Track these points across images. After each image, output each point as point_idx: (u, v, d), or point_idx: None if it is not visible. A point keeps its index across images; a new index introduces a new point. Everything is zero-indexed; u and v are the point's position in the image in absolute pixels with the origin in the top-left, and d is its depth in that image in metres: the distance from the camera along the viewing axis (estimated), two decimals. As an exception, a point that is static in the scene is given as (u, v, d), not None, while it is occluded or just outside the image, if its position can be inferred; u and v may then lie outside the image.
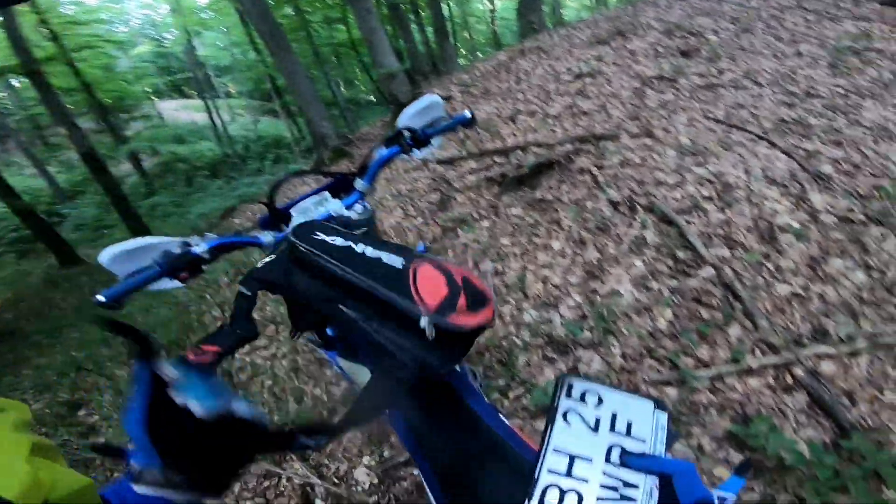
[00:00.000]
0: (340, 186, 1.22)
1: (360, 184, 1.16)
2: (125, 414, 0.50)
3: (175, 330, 3.68)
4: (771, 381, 1.82)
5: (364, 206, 1.13)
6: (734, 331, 2.00)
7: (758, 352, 1.91)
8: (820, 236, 2.25)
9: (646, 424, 0.64)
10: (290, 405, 2.57)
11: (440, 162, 4.51)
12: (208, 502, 0.50)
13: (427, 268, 0.73)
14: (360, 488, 2.00)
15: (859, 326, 1.88)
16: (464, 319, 0.69)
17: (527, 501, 0.58)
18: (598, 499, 0.58)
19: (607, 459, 0.61)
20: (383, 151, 1.20)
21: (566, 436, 0.63)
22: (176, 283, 0.94)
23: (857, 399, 1.68)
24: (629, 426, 0.63)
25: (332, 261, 0.73)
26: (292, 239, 0.79)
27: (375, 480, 2.01)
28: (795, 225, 2.32)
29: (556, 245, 2.75)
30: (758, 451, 1.59)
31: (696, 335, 2.02)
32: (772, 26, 4.92)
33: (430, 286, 0.70)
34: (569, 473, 0.60)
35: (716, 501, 0.57)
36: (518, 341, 2.29)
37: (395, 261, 0.74)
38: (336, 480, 2.07)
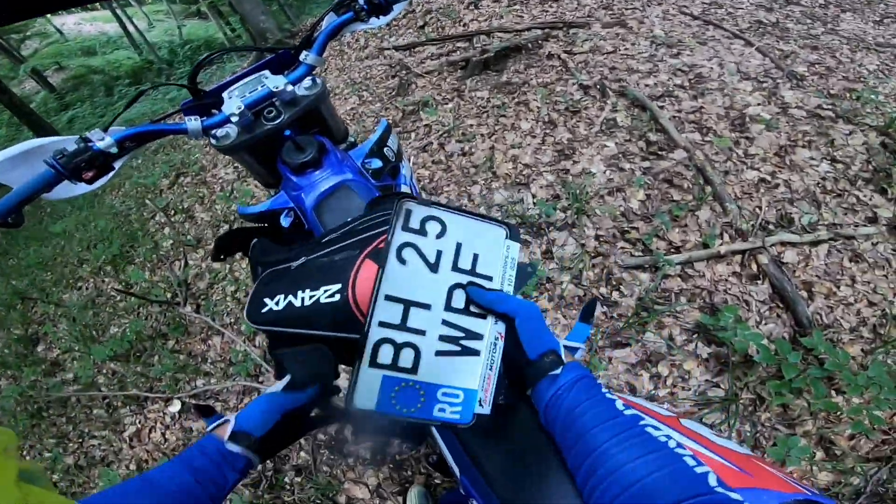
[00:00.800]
0: (283, 62, 1.06)
1: (307, 56, 1.00)
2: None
3: (117, 242, 3.35)
4: (737, 268, 1.78)
5: (314, 81, 0.98)
6: (704, 214, 1.93)
7: (726, 237, 1.86)
8: (789, 128, 2.20)
9: (495, 258, 0.56)
10: None
11: (397, 48, 4.09)
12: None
13: (365, 271, 0.60)
14: (339, 395, 1.85)
15: (821, 216, 1.86)
16: None
17: (357, 362, 0.50)
18: (436, 353, 0.52)
19: (448, 305, 0.53)
20: (333, 19, 1.05)
21: (401, 278, 0.52)
22: (82, 187, 0.83)
23: (815, 293, 1.67)
24: (475, 259, 0.55)
25: (287, 329, 0.64)
26: (248, 323, 0.70)
27: None
28: (766, 116, 2.25)
29: (525, 125, 2.55)
30: (725, 344, 1.56)
31: (669, 217, 1.94)
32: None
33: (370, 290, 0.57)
34: (403, 324, 0.51)
35: (562, 352, 0.53)
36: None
37: (332, 292, 0.61)
38: None
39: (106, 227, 3.71)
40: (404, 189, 1.16)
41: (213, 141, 0.93)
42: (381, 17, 1.05)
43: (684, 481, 0.41)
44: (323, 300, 0.62)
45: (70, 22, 20.39)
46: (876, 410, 1.31)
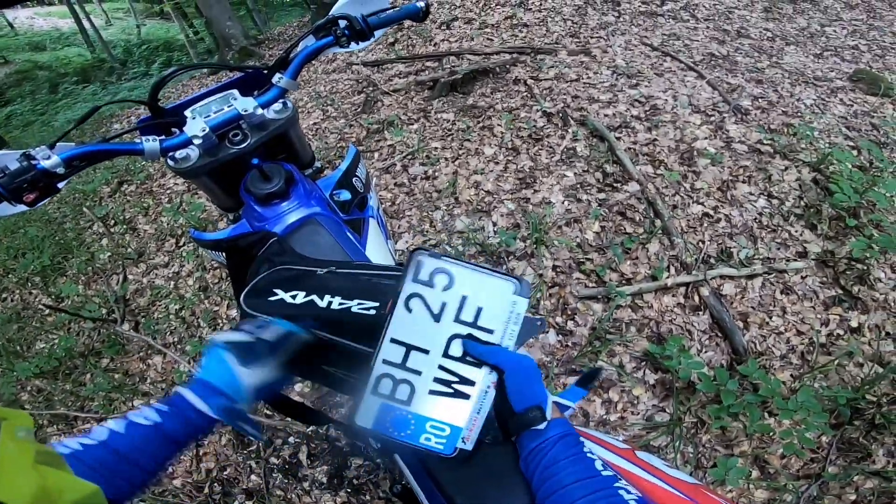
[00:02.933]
0: (252, 83, 1.03)
1: (280, 79, 0.97)
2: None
3: (48, 252, 3.23)
4: (682, 299, 1.96)
5: (284, 104, 0.97)
6: (654, 247, 2.11)
7: (673, 269, 2.04)
8: (732, 163, 2.41)
9: (499, 311, 0.59)
10: (202, 330, 2.34)
11: (365, 64, 4.20)
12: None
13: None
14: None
15: (757, 250, 2.07)
16: None
17: (362, 389, 0.59)
18: (430, 391, 0.59)
19: (445, 352, 0.59)
20: (312, 42, 1.02)
21: (406, 325, 0.60)
22: (19, 208, 0.77)
23: (750, 323, 1.86)
24: (478, 313, 0.59)
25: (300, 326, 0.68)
26: (244, 308, 0.72)
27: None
28: (712, 150, 2.46)
29: (488, 151, 2.69)
30: (670, 371, 1.71)
31: (621, 249, 2.11)
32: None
33: None
34: (403, 364, 0.59)
35: (548, 408, 0.57)
36: (450, 249, 2.26)
37: (368, 307, 0.68)
38: (268, 412, 1.93)
39: (37, 235, 3.54)
40: (371, 222, 1.16)
41: (170, 163, 0.90)
42: (360, 42, 1.03)
43: None
44: (355, 310, 0.68)
45: (23, 16, 19.70)
46: (806, 433, 1.49)
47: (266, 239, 0.88)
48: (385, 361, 0.59)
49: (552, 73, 3.25)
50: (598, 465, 0.54)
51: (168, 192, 3.44)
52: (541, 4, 4.36)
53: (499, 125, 2.86)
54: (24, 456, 0.35)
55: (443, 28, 4.41)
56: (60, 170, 0.77)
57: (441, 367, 0.59)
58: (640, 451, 0.70)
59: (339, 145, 3.16)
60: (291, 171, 0.97)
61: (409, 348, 0.59)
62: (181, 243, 2.89)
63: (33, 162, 0.75)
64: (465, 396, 0.58)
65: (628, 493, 0.51)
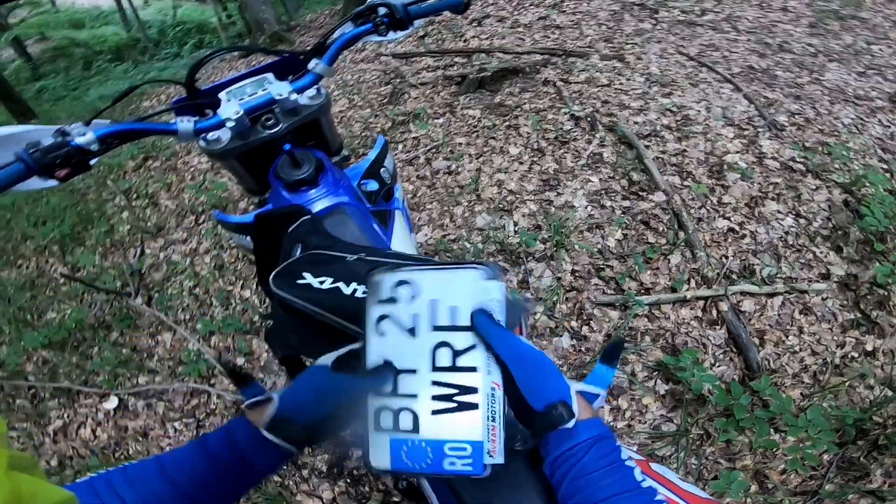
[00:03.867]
0: (287, 68, 1.04)
1: (316, 65, 0.97)
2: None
3: (69, 222, 3.28)
4: (699, 313, 1.97)
5: (318, 91, 0.98)
6: (675, 259, 2.12)
7: (693, 282, 2.05)
8: (762, 179, 2.40)
9: (474, 304, 0.54)
10: (215, 310, 2.37)
11: (395, 55, 4.24)
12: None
13: None
14: None
15: (780, 269, 2.06)
16: None
17: (364, 427, 0.54)
18: (433, 412, 0.53)
19: (434, 366, 0.54)
20: (350, 29, 1.02)
21: (382, 349, 0.55)
22: (50, 183, 0.77)
23: (766, 340, 1.86)
24: (453, 312, 0.54)
25: (322, 312, 0.66)
26: (272, 289, 0.71)
27: None
28: (743, 165, 2.45)
29: (513, 150, 2.72)
30: (682, 383, 1.72)
31: (643, 258, 2.12)
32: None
33: None
34: (395, 392, 0.54)
35: (574, 401, 0.51)
36: (469, 245, 2.29)
37: None
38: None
39: (59, 204, 3.59)
40: (398, 214, 1.16)
41: (202, 144, 0.92)
42: (399, 31, 1.02)
43: None
44: None
45: (67, -8, 20.19)
46: (810, 449, 1.50)
47: (299, 214, 0.88)
48: (375, 394, 0.54)
49: (583, 77, 3.26)
50: (638, 474, 0.47)
51: (192, 169, 3.52)
52: (576, 7, 4.36)
53: (525, 125, 2.88)
54: None
55: (474, 24, 4.43)
56: (94, 147, 0.77)
57: (435, 383, 0.53)
58: (654, 464, 0.65)
59: (363, 134, 3.21)
60: (322, 159, 0.98)
61: (395, 373, 0.54)
62: (201, 220, 2.95)
63: (68, 138, 0.75)
64: (473, 406, 0.52)
65: None
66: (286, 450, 0.54)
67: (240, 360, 2.12)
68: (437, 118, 3.17)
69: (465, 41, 4.17)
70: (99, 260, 2.90)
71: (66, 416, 2.10)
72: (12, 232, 3.51)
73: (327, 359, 0.59)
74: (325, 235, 0.84)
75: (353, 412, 0.55)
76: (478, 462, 0.51)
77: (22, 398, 2.23)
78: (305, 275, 0.72)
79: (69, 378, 2.22)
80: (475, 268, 0.54)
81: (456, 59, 3.85)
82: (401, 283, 0.55)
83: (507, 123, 2.95)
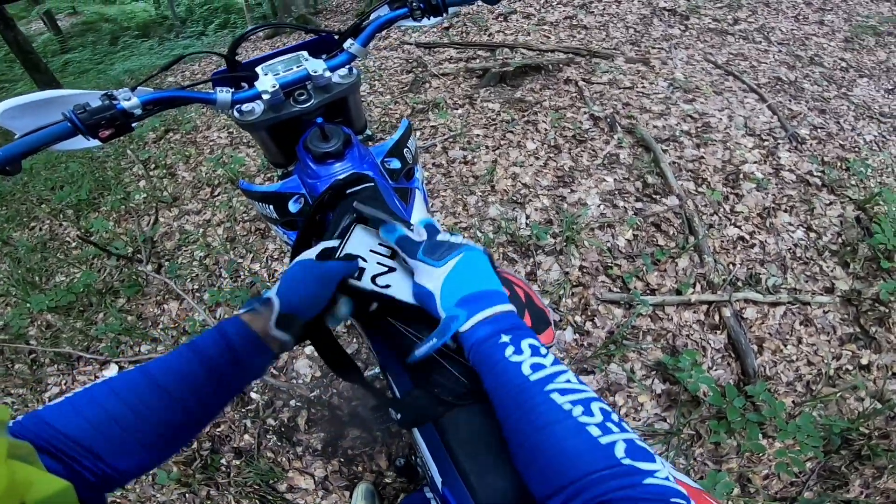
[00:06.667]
0: (321, 47, 1.12)
1: (351, 45, 1.04)
2: None
3: (87, 188, 3.37)
4: (702, 316, 2.08)
5: (350, 70, 1.05)
6: (683, 262, 2.23)
7: (698, 286, 2.16)
8: (777, 191, 2.50)
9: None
10: (223, 281, 2.48)
11: (418, 45, 4.38)
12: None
13: None
14: (300, 381, 2.03)
15: (786, 280, 2.17)
16: None
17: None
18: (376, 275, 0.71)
19: (378, 254, 0.74)
20: (386, 12, 1.08)
21: (352, 247, 0.74)
22: (94, 143, 0.84)
23: (765, 348, 1.97)
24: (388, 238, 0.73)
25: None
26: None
27: (318, 373, 2.02)
28: (759, 175, 2.56)
29: (530, 145, 2.84)
30: (679, 383, 1.83)
31: (651, 260, 2.23)
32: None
33: None
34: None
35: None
36: (480, 235, 2.41)
37: None
38: (274, 372, 2.07)
39: (78, 171, 3.72)
40: (417, 193, 1.23)
41: (235, 114, 0.98)
42: (433, 17, 1.07)
43: (588, 455, 0.42)
44: None
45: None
46: (797, 454, 1.60)
47: (362, 181, 0.95)
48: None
49: (605, 78, 3.37)
50: (526, 368, 0.50)
51: (211, 143, 3.64)
52: (604, 9, 4.47)
53: (544, 122, 3.00)
54: None
55: (500, 19, 4.56)
56: (138, 111, 0.84)
57: (377, 263, 0.72)
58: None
59: (382, 120, 3.34)
60: (350, 135, 1.05)
61: (356, 258, 0.73)
62: (216, 193, 3.07)
63: (114, 102, 0.82)
64: (393, 269, 0.70)
65: (563, 393, 0.47)
66: (286, 343, 0.62)
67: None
68: (457, 109, 3.30)
69: (489, 35, 4.29)
70: (113, 226, 3.01)
71: (63, 383, 2.16)
72: (28, 194, 3.63)
73: (310, 254, 0.72)
74: (383, 204, 0.90)
75: (332, 291, 0.66)
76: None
77: (21, 362, 2.29)
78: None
79: (71, 343, 2.28)
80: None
81: (479, 53, 3.97)
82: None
83: (525, 119, 3.07)
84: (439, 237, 0.67)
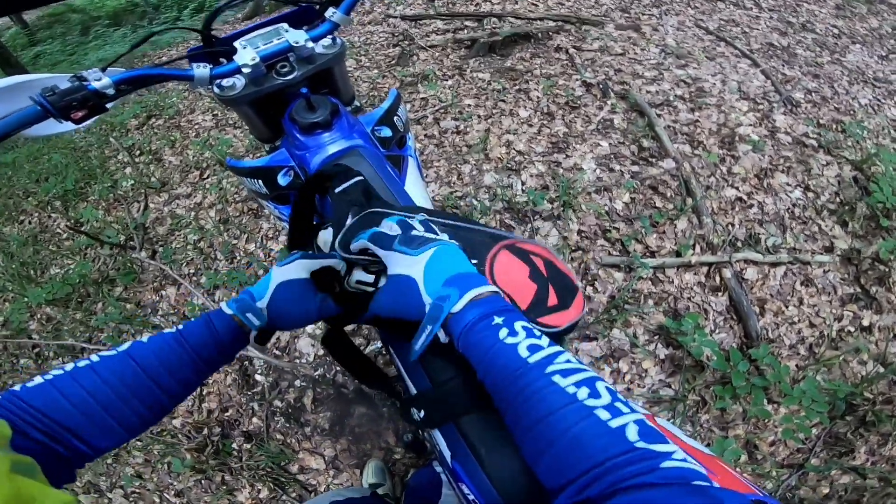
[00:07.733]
0: (302, 18, 1.09)
1: (333, 13, 1.00)
2: None
3: (72, 178, 3.31)
4: (703, 279, 2.08)
5: (333, 40, 1.02)
6: (682, 224, 2.23)
7: (698, 248, 2.16)
8: (773, 152, 2.50)
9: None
10: (219, 263, 2.45)
11: (404, 18, 4.30)
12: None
13: (505, 259, 0.68)
14: (304, 360, 2.02)
15: (785, 240, 2.17)
16: (556, 319, 0.64)
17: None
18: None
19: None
20: None
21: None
22: (67, 126, 0.83)
23: (767, 310, 1.98)
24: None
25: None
26: (343, 255, 0.76)
27: (321, 352, 2.01)
28: (755, 137, 2.55)
29: (523, 113, 2.81)
30: (682, 348, 1.82)
31: (650, 222, 2.22)
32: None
33: (513, 284, 0.66)
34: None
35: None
36: (476, 203, 2.38)
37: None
38: (277, 353, 2.06)
39: (61, 161, 3.65)
40: (410, 161, 1.22)
41: (216, 90, 0.96)
42: None
43: (599, 441, 0.40)
44: None
45: (65, -39, 20.03)
46: (803, 420, 1.60)
47: (349, 175, 0.91)
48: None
49: (596, 45, 3.33)
50: (523, 349, 0.48)
51: (196, 126, 3.57)
52: (593, -25, 4.41)
53: (535, 90, 2.97)
54: (0, 465, 0.36)
55: (488, -12, 4.48)
56: (110, 91, 0.82)
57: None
58: (659, 419, 0.66)
59: (370, 94, 3.28)
60: (337, 104, 1.02)
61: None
62: (205, 175, 3.01)
63: (84, 83, 0.80)
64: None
65: (564, 375, 0.45)
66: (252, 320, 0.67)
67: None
68: (446, 80, 3.25)
69: (476, 5, 4.22)
70: (102, 214, 2.96)
71: (69, 376, 2.17)
72: (14, 188, 3.57)
73: (296, 272, 0.73)
74: (378, 199, 0.88)
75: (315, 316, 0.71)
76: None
77: (26, 357, 2.29)
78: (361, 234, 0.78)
79: (73, 335, 2.27)
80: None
81: (466, 23, 3.91)
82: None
83: (517, 87, 3.03)
84: (413, 232, 0.66)
